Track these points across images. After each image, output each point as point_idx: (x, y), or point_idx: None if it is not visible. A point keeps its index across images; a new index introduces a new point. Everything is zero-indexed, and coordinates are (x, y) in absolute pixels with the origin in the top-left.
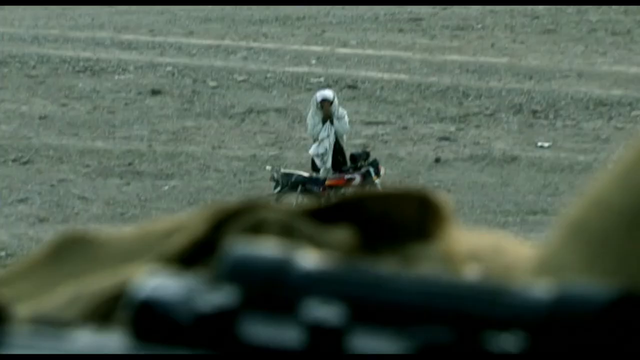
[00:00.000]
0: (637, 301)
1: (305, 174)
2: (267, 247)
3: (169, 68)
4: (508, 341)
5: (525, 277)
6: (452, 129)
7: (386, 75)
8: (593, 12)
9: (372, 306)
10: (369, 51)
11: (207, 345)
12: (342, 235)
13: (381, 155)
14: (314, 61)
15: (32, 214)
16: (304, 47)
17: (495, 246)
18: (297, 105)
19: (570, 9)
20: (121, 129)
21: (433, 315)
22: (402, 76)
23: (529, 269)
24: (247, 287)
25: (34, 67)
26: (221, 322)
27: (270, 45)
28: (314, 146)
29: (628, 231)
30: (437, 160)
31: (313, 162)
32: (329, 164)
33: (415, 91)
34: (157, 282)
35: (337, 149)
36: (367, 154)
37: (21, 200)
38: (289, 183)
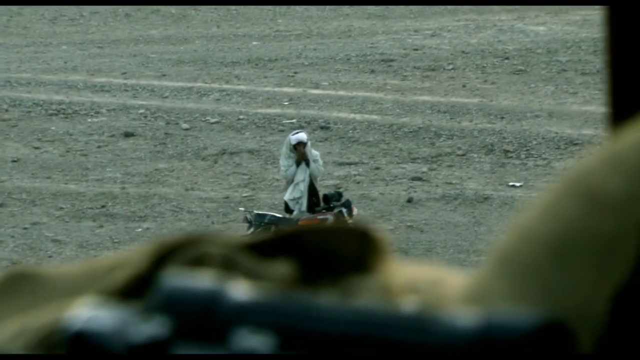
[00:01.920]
0: (559, 328)
1: (279, 215)
2: (199, 279)
3: (142, 110)
4: None
5: (456, 306)
6: (425, 169)
7: (358, 116)
8: (563, 53)
9: (300, 335)
10: (341, 92)
11: None
12: (282, 268)
13: (354, 196)
14: (286, 102)
15: (5, 257)
16: (276, 89)
17: (433, 278)
18: (269, 147)
19: (540, 49)
20: (94, 172)
21: (361, 343)
22: (374, 117)
23: (460, 299)
24: (179, 318)
25: (6, 111)
26: (153, 352)
27: (242, 87)
28: (289, 190)
29: (553, 261)
30: (410, 200)
31: (286, 204)
32: (304, 206)
33: (387, 131)
34: (91, 313)
35: (311, 190)
36: (340, 195)
37: None
38: (262, 224)
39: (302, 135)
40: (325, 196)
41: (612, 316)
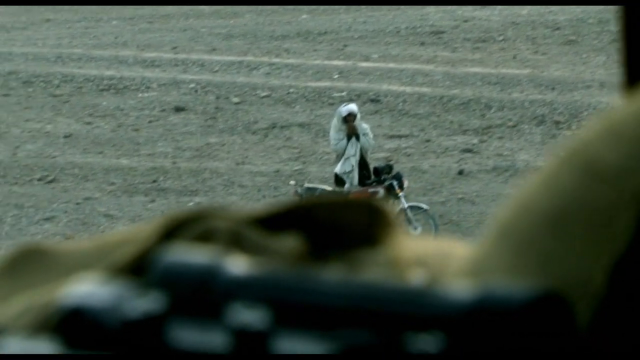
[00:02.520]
0: (556, 299)
1: (329, 188)
2: (196, 254)
3: (192, 85)
4: (428, 341)
5: (455, 279)
6: (475, 141)
7: (408, 89)
8: (614, 22)
9: (295, 309)
10: (391, 65)
11: (135, 350)
12: (290, 242)
13: (404, 169)
14: (336, 76)
15: (58, 233)
16: (326, 62)
17: (441, 251)
18: (320, 120)
19: (592, 19)
20: (145, 147)
21: (355, 317)
22: (425, 89)
23: (461, 272)
24: (175, 293)
25: (58, 87)
26: (148, 327)
27: (292, 60)
28: (339, 164)
29: (551, 233)
30: (461, 172)
31: (336, 177)
32: (355, 180)
33: (437, 104)
34: (86, 289)
35: (362, 163)
36: (391, 168)
37: (47, 219)
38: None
39: (353, 107)
40: (375, 169)
41: (609, 287)
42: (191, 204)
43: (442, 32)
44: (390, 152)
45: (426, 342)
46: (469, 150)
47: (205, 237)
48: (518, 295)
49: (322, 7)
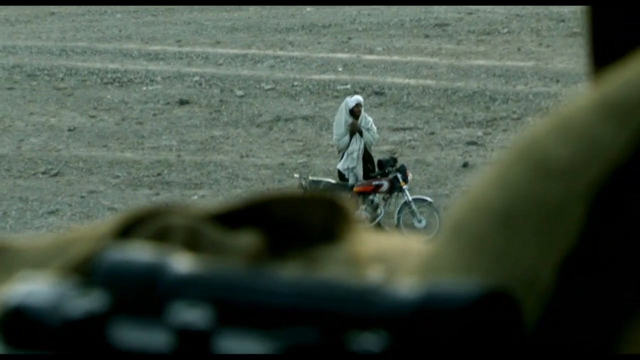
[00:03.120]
0: (503, 297)
1: (333, 181)
2: (140, 252)
3: (197, 78)
4: (372, 341)
5: (407, 277)
6: (480, 133)
7: (413, 81)
8: None
9: (239, 308)
10: (395, 57)
11: (76, 349)
12: (247, 239)
13: (409, 161)
14: (340, 68)
15: (63, 226)
16: (330, 55)
17: (400, 248)
18: (324, 113)
19: None
20: (150, 140)
21: (300, 316)
22: (429, 82)
23: (414, 270)
24: (117, 292)
25: (62, 80)
26: (90, 326)
27: (296, 53)
28: (342, 160)
29: (500, 230)
30: (465, 165)
31: (340, 173)
32: (360, 175)
33: (442, 96)
34: (29, 288)
35: (366, 157)
36: (395, 160)
37: (51, 212)
38: (317, 190)
39: (360, 98)
40: (379, 162)
41: (558, 284)
42: (195, 197)
43: (447, 25)
44: (395, 145)
45: (370, 341)
46: (473, 143)
47: (162, 234)
48: (464, 293)
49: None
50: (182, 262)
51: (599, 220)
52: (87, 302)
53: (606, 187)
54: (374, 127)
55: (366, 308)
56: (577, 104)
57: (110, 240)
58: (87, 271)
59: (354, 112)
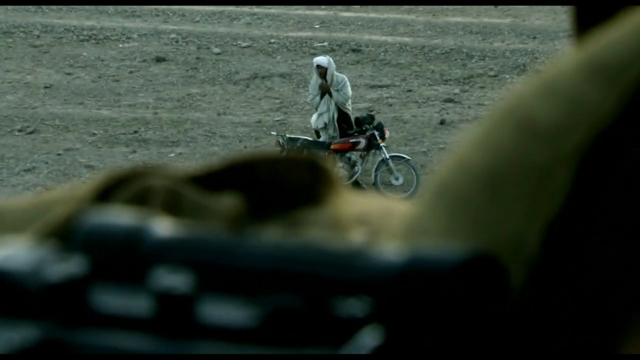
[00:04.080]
0: (488, 261)
1: (311, 139)
2: (120, 216)
3: (173, 35)
4: (355, 305)
5: (391, 240)
6: (457, 90)
7: (390, 39)
8: None
9: (220, 272)
10: (372, 15)
11: (56, 314)
12: (228, 202)
13: (386, 119)
14: (317, 25)
15: (39, 184)
16: (307, 12)
17: (384, 209)
18: (301, 70)
19: None
20: (126, 97)
21: (282, 279)
22: (406, 39)
23: (397, 232)
24: (98, 256)
25: (38, 37)
26: (70, 291)
27: (273, 10)
28: (313, 119)
29: (485, 192)
30: (442, 122)
31: (316, 131)
32: (330, 134)
33: (419, 54)
34: (6, 252)
35: (341, 116)
36: (372, 118)
37: (28, 170)
38: (294, 148)
39: (322, 59)
40: (357, 119)
41: (543, 248)
42: (172, 155)
43: None
44: (372, 102)
45: (353, 305)
46: (450, 100)
47: (142, 196)
48: (448, 257)
49: None
50: (162, 226)
51: (586, 183)
52: (67, 267)
53: (593, 149)
54: (347, 87)
55: (349, 272)
56: (563, 64)
57: (90, 203)
58: (67, 235)
59: (320, 73)
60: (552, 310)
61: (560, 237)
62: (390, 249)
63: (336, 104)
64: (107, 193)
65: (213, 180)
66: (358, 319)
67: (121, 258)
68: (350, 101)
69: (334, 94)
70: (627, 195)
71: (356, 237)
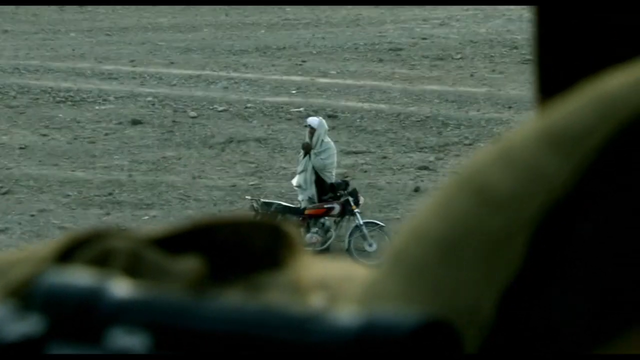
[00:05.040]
0: (442, 327)
1: (285, 204)
2: (78, 276)
3: (150, 98)
4: None
5: (349, 304)
6: (432, 158)
7: (366, 105)
8: None
9: (176, 334)
10: (349, 81)
11: None
12: (189, 264)
13: (361, 185)
14: (294, 91)
15: (12, 245)
16: (284, 77)
17: (345, 274)
18: (277, 135)
19: None
20: (101, 159)
21: (238, 343)
22: (382, 106)
23: (355, 297)
24: (55, 316)
25: (14, 98)
26: (26, 350)
27: (250, 75)
28: (296, 177)
29: (441, 259)
30: (417, 189)
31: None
32: (308, 194)
33: (394, 121)
34: None
35: (318, 180)
36: (347, 184)
37: (1, 231)
38: (268, 212)
39: (312, 120)
40: (332, 185)
41: (498, 314)
42: (146, 217)
43: (401, 49)
44: (347, 168)
45: None
46: (425, 168)
47: (103, 257)
48: (403, 323)
49: (281, 22)
50: (120, 287)
51: (541, 250)
52: (24, 326)
53: (549, 218)
54: (329, 154)
55: (305, 336)
56: (522, 133)
57: (51, 264)
58: (26, 295)
59: (309, 133)
60: None
61: (514, 303)
62: (347, 314)
63: (313, 167)
64: (68, 254)
65: (175, 242)
66: None
67: (78, 318)
68: (331, 170)
69: (313, 156)
70: (580, 263)
71: (315, 301)
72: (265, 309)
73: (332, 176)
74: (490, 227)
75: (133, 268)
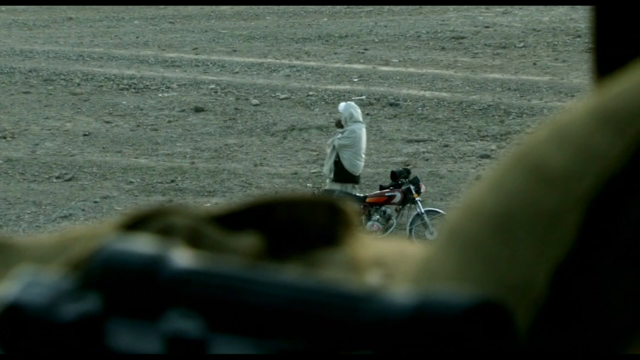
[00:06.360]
0: (495, 307)
1: (347, 191)
2: (140, 243)
3: (212, 86)
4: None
5: (404, 282)
6: (494, 147)
7: (428, 93)
8: None
9: (232, 309)
10: (411, 69)
11: (69, 351)
12: (248, 241)
13: (422, 173)
14: (355, 79)
15: None
16: (346, 65)
17: (401, 252)
18: None
19: None
20: (164, 146)
21: (293, 319)
22: (444, 94)
23: (411, 275)
24: (112, 293)
25: (78, 85)
26: (84, 327)
27: (312, 63)
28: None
29: (497, 236)
30: (478, 178)
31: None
32: (325, 169)
33: (456, 109)
34: (26, 285)
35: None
36: (408, 172)
37: (64, 217)
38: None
39: (340, 105)
40: (393, 173)
41: (550, 292)
42: (208, 204)
43: (463, 38)
44: (409, 157)
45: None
46: (487, 156)
47: (164, 232)
48: (456, 303)
49: (343, 10)
50: (182, 256)
51: (594, 228)
52: (83, 304)
53: (601, 195)
54: (350, 137)
55: (360, 313)
56: (575, 112)
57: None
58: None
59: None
60: (559, 351)
61: (567, 279)
62: (402, 292)
63: (334, 146)
64: (130, 229)
65: (234, 220)
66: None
67: (135, 296)
68: (353, 158)
69: (335, 136)
70: (632, 241)
71: (371, 279)
72: (322, 285)
73: (356, 164)
74: (544, 204)
75: (193, 244)
